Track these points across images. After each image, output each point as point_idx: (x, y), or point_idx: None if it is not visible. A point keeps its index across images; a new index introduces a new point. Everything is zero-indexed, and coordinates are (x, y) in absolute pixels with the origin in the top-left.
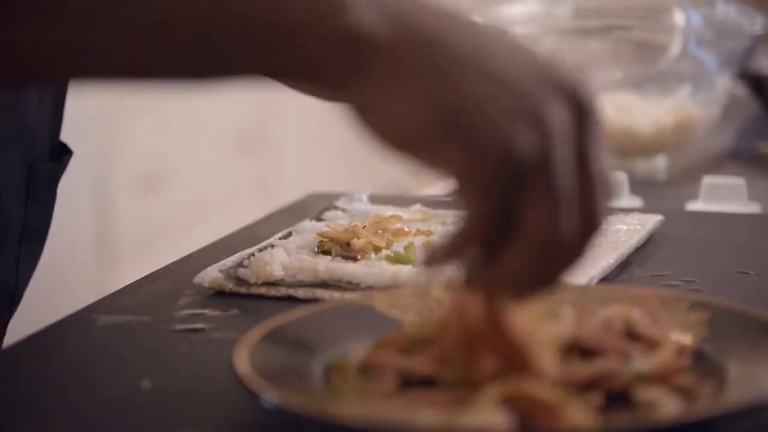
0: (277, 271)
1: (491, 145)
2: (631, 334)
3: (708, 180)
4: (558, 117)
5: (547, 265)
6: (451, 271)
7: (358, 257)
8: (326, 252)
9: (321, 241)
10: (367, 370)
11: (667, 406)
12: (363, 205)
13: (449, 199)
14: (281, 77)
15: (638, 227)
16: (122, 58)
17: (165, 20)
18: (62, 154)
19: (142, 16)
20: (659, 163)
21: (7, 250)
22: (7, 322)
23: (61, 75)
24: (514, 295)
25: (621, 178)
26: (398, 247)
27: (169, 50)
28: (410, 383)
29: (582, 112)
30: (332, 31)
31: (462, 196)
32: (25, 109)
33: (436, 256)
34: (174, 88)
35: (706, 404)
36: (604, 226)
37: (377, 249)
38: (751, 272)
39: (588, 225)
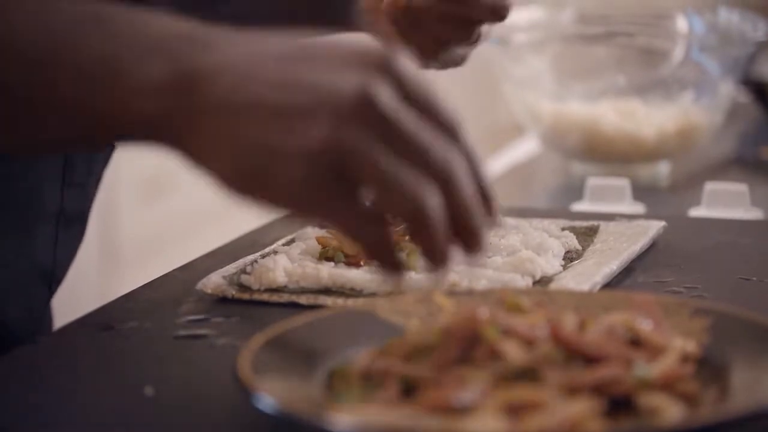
0: (280, 278)
1: (293, 176)
2: (634, 341)
3: (711, 186)
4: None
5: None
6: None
7: (361, 263)
8: (329, 258)
9: (324, 248)
10: (369, 376)
11: (671, 412)
12: None
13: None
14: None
15: (641, 233)
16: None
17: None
18: None
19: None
20: (662, 169)
21: (43, 232)
22: (48, 304)
23: None
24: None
25: (624, 184)
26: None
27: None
28: (413, 390)
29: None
30: (136, 117)
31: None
32: None
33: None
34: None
35: (710, 411)
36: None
37: None
38: (754, 278)
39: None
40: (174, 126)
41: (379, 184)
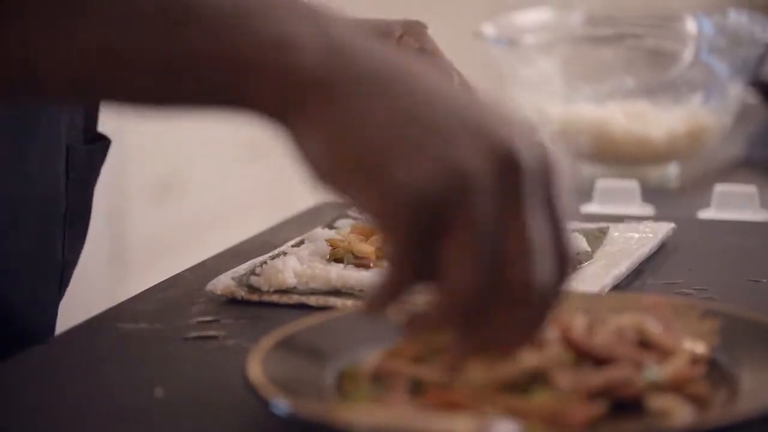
0: (290, 279)
1: (402, 186)
2: (644, 343)
3: (720, 188)
4: (475, 165)
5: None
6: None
7: (371, 265)
8: (338, 260)
9: (334, 249)
10: (379, 378)
11: (680, 414)
12: None
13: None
14: (231, 108)
15: (650, 235)
16: (81, 81)
17: (123, 49)
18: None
19: (103, 44)
20: (671, 171)
21: (54, 229)
22: (58, 302)
23: (35, 88)
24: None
25: (633, 186)
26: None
27: (127, 77)
28: (422, 391)
29: (510, 165)
30: (274, 71)
31: (383, 239)
32: None
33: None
34: (139, 112)
35: (719, 412)
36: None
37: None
38: (764, 280)
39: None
40: (301, 102)
41: (462, 237)
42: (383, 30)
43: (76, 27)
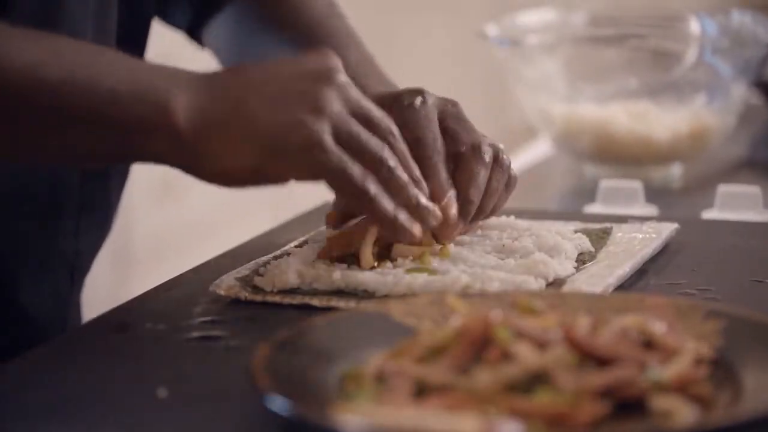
0: (293, 280)
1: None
2: (648, 343)
3: (723, 188)
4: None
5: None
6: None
7: (375, 265)
8: (341, 260)
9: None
10: (382, 378)
11: (683, 414)
12: None
13: None
14: (147, 162)
15: (653, 236)
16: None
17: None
18: None
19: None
20: (675, 172)
21: (65, 220)
22: (71, 293)
23: None
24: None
25: (636, 186)
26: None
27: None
28: (426, 392)
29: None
30: (160, 131)
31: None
32: None
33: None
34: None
35: (723, 413)
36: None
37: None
38: (767, 281)
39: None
40: (190, 146)
41: (331, 173)
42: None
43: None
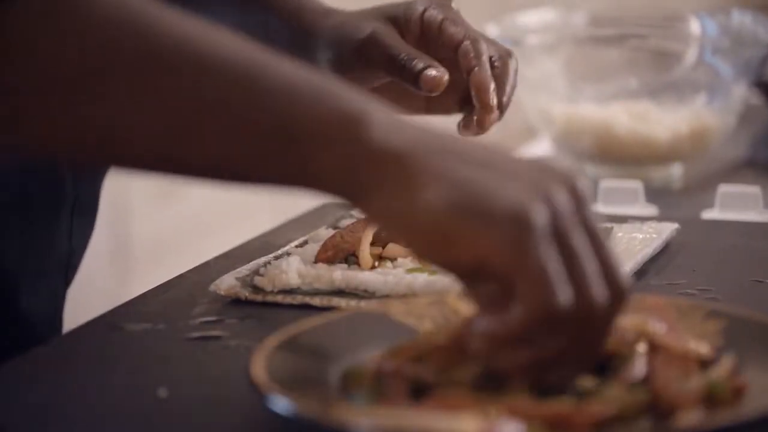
0: (293, 279)
1: (508, 215)
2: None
3: (724, 188)
4: (561, 196)
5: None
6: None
7: (375, 265)
8: (342, 260)
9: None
10: (382, 378)
11: (687, 414)
12: None
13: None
14: (305, 187)
15: (654, 236)
16: (159, 154)
17: (196, 121)
18: None
19: (178, 119)
20: (675, 172)
21: (61, 220)
22: (65, 292)
23: (95, 156)
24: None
25: (637, 186)
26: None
27: (200, 149)
28: (425, 391)
29: (578, 195)
30: (349, 145)
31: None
32: None
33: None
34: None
35: (725, 413)
36: (626, 293)
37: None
38: (767, 281)
39: (610, 293)
40: (380, 176)
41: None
42: (404, 10)
43: (155, 104)
